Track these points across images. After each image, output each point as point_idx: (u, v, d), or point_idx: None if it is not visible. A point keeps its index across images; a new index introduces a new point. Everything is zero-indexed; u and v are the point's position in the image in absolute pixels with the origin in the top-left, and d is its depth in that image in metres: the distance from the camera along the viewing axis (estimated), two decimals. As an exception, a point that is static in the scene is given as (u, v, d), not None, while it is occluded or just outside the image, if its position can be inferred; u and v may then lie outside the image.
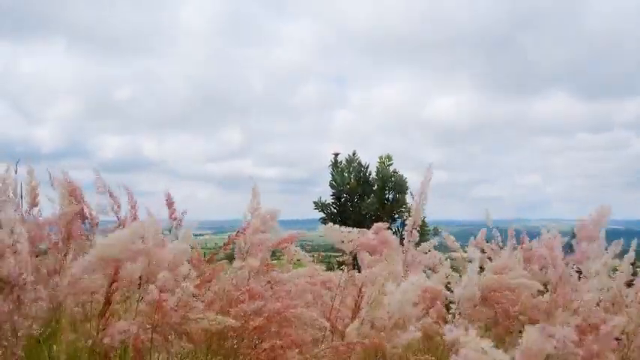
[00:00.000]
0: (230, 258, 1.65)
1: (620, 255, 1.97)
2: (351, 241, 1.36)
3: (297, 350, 1.30)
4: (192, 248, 1.58)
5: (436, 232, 8.04)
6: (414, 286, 1.10)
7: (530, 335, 0.75)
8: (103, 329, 1.10)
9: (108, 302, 1.15)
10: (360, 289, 1.41)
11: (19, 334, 0.98)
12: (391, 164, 8.48)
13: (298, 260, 1.96)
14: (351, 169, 8.55)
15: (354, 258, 1.61)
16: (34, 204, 1.63)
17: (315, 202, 8.72)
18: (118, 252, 1.06)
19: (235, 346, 1.34)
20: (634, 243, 2.04)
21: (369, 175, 8.54)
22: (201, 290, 1.28)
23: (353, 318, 1.30)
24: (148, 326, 1.13)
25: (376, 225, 1.24)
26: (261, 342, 1.35)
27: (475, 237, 2.72)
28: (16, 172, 1.64)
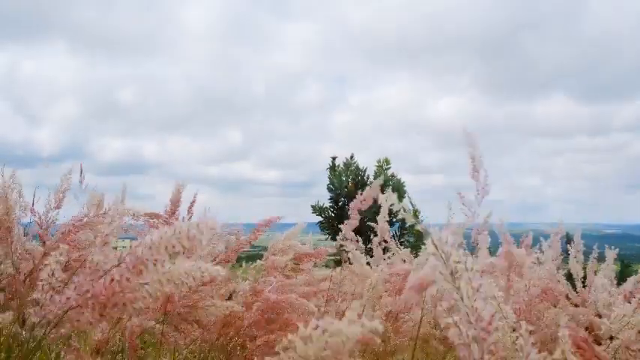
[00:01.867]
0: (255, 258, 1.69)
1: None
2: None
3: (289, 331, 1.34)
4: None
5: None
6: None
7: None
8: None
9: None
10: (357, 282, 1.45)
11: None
12: (389, 168, 8.53)
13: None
14: (348, 172, 8.60)
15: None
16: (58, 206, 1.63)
17: (312, 206, 8.76)
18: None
19: (235, 340, 1.38)
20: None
21: (367, 178, 8.58)
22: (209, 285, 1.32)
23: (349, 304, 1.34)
24: (153, 321, 1.17)
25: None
26: (256, 338, 1.39)
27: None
28: (12, 174, 1.65)
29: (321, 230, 8.71)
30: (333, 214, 8.69)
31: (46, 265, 0.60)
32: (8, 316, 0.92)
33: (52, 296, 0.56)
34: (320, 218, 8.76)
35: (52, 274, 0.59)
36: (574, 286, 2.02)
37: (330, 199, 8.71)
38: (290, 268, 1.59)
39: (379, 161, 8.55)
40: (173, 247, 0.51)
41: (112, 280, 0.50)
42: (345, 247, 1.60)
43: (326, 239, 8.43)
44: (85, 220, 1.17)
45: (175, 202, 1.51)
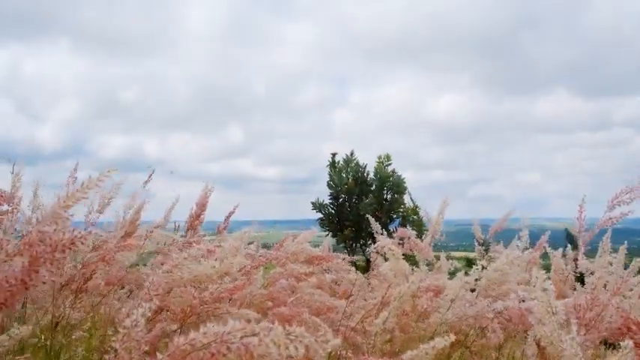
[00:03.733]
0: None
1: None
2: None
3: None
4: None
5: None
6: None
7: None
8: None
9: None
10: (388, 288, 1.47)
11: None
12: (390, 164, 8.51)
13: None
14: (348, 169, 8.59)
15: (368, 262, 1.67)
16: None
17: (312, 203, 8.75)
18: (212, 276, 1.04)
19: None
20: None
21: (367, 175, 8.57)
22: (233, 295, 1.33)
23: (377, 314, 1.35)
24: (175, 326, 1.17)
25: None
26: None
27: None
28: (12, 172, 1.65)
29: (321, 227, 8.71)
30: (333, 211, 8.69)
31: (131, 313, 0.61)
32: (27, 328, 0.93)
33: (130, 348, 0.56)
34: (320, 215, 8.76)
35: (135, 325, 0.59)
36: (582, 282, 2.03)
37: (330, 195, 8.70)
38: (304, 273, 1.60)
39: (380, 157, 8.54)
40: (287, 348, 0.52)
41: (212, 354, 0.50)
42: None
43: (326, 236, 8.43)
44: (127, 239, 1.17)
45: (201, 206, 1.52)
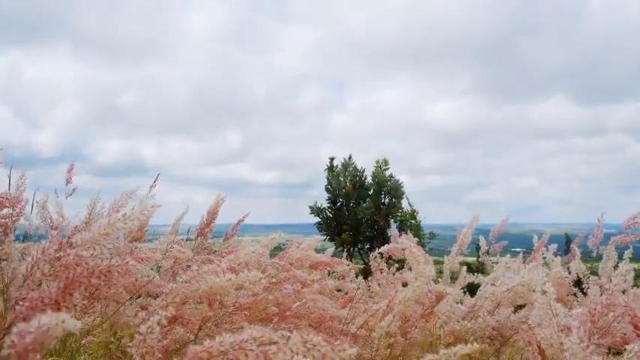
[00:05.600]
0: None
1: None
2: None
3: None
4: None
5: (431, 236, 8.12)
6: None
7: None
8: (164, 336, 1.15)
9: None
10: (395, 293, 1.49)
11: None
12: (387, 168, 8.52)
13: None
14: (346, 173, 8.59)
15: (366, 266, 1.69)
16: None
17: (310, 207, 8.75)
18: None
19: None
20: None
21: (365, 179, 8.58)
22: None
23: (382, 318, 1.37)
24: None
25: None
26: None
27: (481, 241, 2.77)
28: (9, 177, 1.65)
29: (319, 231, 8.71)
30: (331, 215, 8.68)
31: (147, 319, 0.63)
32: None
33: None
34: (318, 219, 8.76)
35: (151, 331, 0.62)
36: (580, 287, 2.06)
37: (328, 199, 8.70)
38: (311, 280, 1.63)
39: (377, 162, 8.55)
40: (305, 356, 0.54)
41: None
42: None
43: (324, 240, 8.43)
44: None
45: (212, 214, 1.54)
